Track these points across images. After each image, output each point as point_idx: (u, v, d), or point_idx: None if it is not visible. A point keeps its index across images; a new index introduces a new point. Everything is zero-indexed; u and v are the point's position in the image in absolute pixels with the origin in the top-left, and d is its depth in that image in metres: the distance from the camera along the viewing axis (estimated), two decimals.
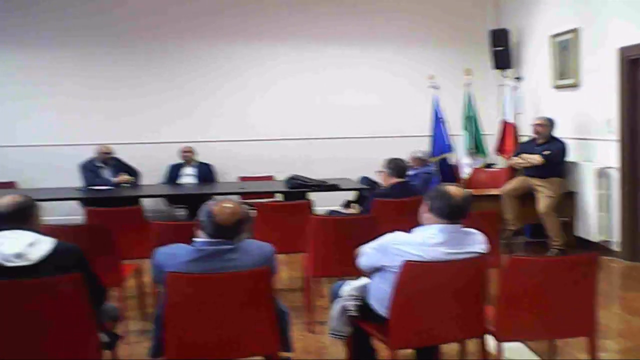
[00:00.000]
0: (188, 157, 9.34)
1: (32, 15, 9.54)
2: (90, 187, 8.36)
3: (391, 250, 3.43)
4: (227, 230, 3.26)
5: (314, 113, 10.09)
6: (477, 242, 3.51)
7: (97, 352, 3.32)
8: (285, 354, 3.53)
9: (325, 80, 10.12)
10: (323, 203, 7.86)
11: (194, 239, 3.34)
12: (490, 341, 3.64)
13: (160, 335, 3.28)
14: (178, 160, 9.40)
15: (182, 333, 3.23)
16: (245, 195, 8.22)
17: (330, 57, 10.11)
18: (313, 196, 7.45)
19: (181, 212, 9.14)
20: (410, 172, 7.41)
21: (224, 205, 3.32)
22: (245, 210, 3.37)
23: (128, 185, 8.54)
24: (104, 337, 3.43)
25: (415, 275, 3.33)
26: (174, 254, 3.28)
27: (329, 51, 10.11)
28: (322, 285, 6.01)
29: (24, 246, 3.17)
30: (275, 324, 3.30)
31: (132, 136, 9.70)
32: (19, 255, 3.14)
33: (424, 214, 3.54)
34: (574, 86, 8.07)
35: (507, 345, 3.65)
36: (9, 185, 8.88)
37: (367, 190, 7.93)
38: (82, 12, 9.60)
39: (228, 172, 9.68)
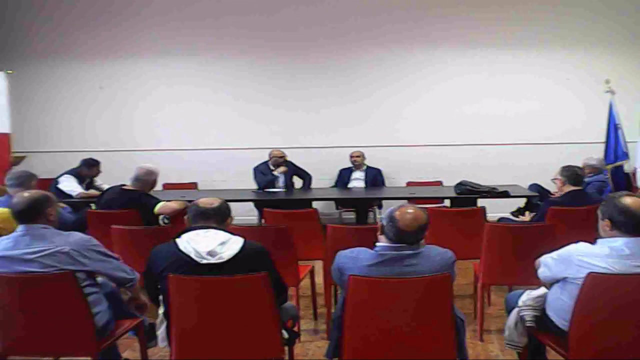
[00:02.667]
0: (357, 161, 9.48)
1: (215, 28, 10.11)
2: (263, 190, 8.71)
3: (575, 261, 3.33)
4: (408, 236, 3.28)
5: (484, 119, 9.99)
6: None
7: (280, 349, 3.44)
8: None
9: (496, 85, 9.98)
10: (492, 210, 7.72)
11: (376, 243, 3.38)
12: None
13: (339, 337, 3.35)
14: (349, 164, 9.56)
15: (361, 335, 3.29)
16: (413, 200, 8.22)
17: (500, 62, 9.96)
18: (481, 202, 7.35)
19: (349, 216, 9.30)
20: (584, 180, 7.16)
21: (406, 211, 3.33)
22: (426, 215, 3.38)
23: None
24: (284, 335, 3.55)
25: (600, 288, 3.23)
26: (356, 257, 3.34)
27: (498, 56, 9.96)
28: (492, 293, 5.94)
29: (216, 245, 3.34)
30: (453, 330, 3.29)
31: (304, 141, 10.04)
32: (211, 253, 3.32)
33: (606, 226, 3.41)
34: None
35: None
36: (191, 186, 9.40)
37: (537, 198, 7.73)
38: (260, 23, 10.05)
39: (396, 177, 9.76)
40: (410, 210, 3.34)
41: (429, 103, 10.07)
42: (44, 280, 3.49)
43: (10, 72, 8.72)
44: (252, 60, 10.17)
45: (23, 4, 10.28)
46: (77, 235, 3.70)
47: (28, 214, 3.66)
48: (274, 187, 8.81)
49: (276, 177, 8.90)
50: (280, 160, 8.99)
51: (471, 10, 9.89)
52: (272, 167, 8.98)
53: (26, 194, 3.77)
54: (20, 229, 3.66)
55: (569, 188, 5.88)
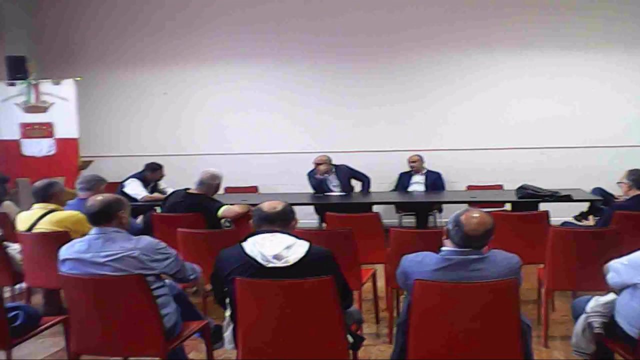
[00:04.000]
0: (414, 166, 9.43)
1: (276, 34, 10.25)
2: (318, 194, 8.77)
3: None
4: (474, 240, 3.27)
5: (545, 121, 9.84)
6: None
7: (346, 352, 3.44)
8: None
9: (556, 87, 9.83)
10: (554, 214, 7.62)
11: (442, 248, 3.38)
12: None
13: (404, 341, 3.36)
14: (408, 168, 9.53)
15: (427, 340, 3.29)
16: (473, 204, 8.12)
17: (561, 64, 9.80)
18: (543, 207, 7.25)
19: (409, 220, 9.28)
20: None
21: (471, 215, 3.32)
22: (492, 220, 3.36)
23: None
24: (349, 339, 3.54)
25: None
26: (421, 262, 3.34)
27: (559, 57, 9.80)
28: (555, 298, 5.86)
29: (282, 248, 3.38)
30: (519, 336, 3.26)
31: (364, 144, 10.05)
32: (277, 257, 3.36)
33: None
34: None
35: None
36: (252, 190, 9.49)
37: (600, 202, 7.59)
38: (320, 29, 10.12)
39: (457, 180, 9.67)
40: (476, 215, 3.33)
41: (489, 106, 9.98)
42: (115, 283, 3.59)
43: (79, 78, 8.97)
44: (311, 65, 10.24)
45: (90, 13, 10.56)
46: (147, 240, 3.79)
47: (101, 217, 3.77)
48: (329, 191, 8.85)
49: (323, 180, 8.92)
50: (320, 167, 8.93)
51: (530, 12, 9.74)
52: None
53: (100, 197, 3.88)
54: (93, 231, 3.78)
55: (635, 192, 5.78)
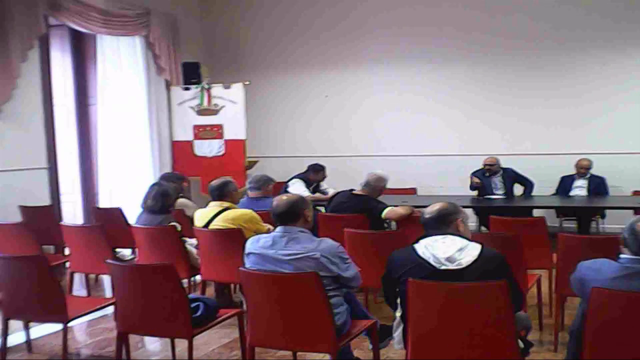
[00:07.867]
0: (582, 172, 9.14)
1: (433, 35, 10.21)
2: (482, 197, 8.72)
3: None
4: None
5: None
6: None
7: (517, 358, 3.41)
8: None
9: None
10: None
11: (620, 255, 3.30)
12: None
13: (577, 350, 3.30)
14: (569, 171, 9.26)
15: (603, 349, 3.22)
16: (638, 210, 7.79)
17: None
18: None
19: (570, 225, 9.04)
20: None
21: None
22: None
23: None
24: (519, 344, 3.51)
25: None
26: (599, 269, 3.27)
27: None
28: None
29: (454, 251, 3.43)
30: None
31: (526, 147, 9.85)
32: (450, 259, 3.41)
33: None
34: None
35: None
36: (410, 192, 9.55)
37: None
38: (480, 27, 9.98)
39: (620, 185, 9.25)
40: None
41: None
42: (292, 280, 3.76)
43: (247, 82, 9.40)
44: (471, 65, 10.13)
45: (257, 20, 11.01)
46: (328, 242, 3.92)
47: (287, 216, 3.95)
48: (492, 194, 8.79)
49: (490, 184, 8.94)
50: (490, 167, 9.01)
51: None
52: (487, 174, 9.03)
53: (284, 197, 4.08)
54: (279, 229, 3.96)
55: None
